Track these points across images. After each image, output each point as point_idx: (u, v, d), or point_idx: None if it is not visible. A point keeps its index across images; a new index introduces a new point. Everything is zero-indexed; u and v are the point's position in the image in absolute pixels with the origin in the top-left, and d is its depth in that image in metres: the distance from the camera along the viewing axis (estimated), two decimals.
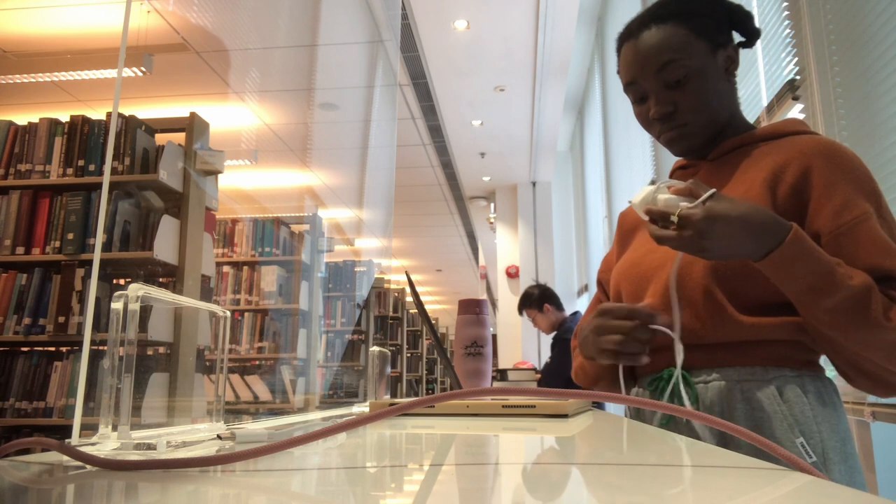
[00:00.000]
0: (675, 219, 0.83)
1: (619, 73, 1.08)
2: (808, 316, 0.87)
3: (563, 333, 3.53)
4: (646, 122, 1.06)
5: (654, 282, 1.01)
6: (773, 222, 0.83)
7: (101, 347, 2.41)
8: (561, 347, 3.49)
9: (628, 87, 1.05)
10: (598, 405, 3.10)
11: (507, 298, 7.30)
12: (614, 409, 4.19)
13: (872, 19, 1.50)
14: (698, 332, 0.95)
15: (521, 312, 3.74)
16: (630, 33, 1.04)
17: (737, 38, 1.07)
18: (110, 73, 4.10)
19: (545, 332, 3.69)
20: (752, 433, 0.46)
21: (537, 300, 3.63)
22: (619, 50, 1.07)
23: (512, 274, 7.50)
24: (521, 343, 6.80)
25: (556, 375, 3.37)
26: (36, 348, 2.60)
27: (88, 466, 0.46)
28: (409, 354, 8.10)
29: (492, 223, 8.27)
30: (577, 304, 7.32)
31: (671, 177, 1.16)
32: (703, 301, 0.94)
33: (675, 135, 1.02)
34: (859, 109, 1.56)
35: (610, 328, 0.93)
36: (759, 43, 2.09)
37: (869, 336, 0.82)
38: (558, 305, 3.67)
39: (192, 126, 2.70)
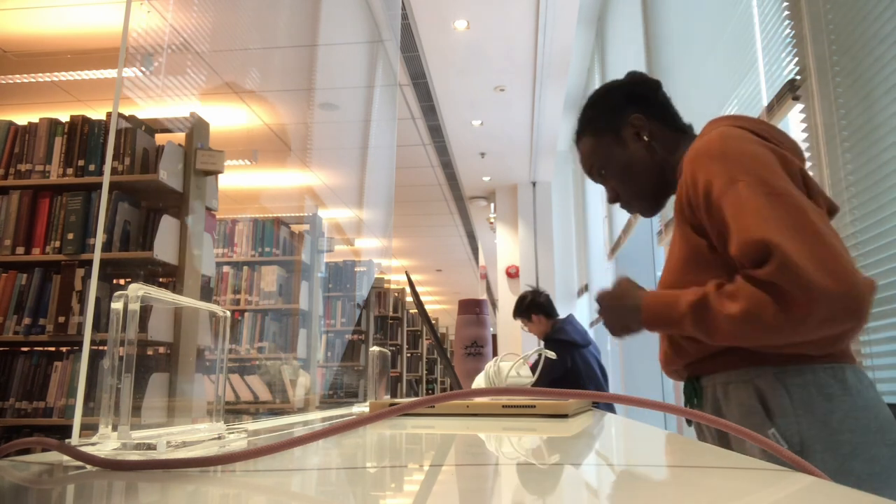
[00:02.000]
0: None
1: None
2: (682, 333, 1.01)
3: (553, 334, 3.49)
4: None
5: None
6: (633, 301, 1.05)
7: (101, 347, 2.41)
8: (550, 349, 3.44)
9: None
10: (608, 406, 3.09)
11: (507, 298, 7.30)
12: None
13: (873, 19, 1.50)
14: (685, 349, 1.07)
15: (514, 317, 3.71)
16: (576, 146, 1.31)
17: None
18: (110, 73, 4.10)
19: (539, 338, 3.64)
20: (755, 433, 0.46)
21: (525, 309, 3.59)
22: None
23: (512, 274, 7.50)
24: (521, 343, 6.80)
25: (545, 375, 3.35)
26: (36, 348, 2.60)
27: (88, 466, 0.46)
28: (409, 354, 8.09)
29: (492, 223, 8.27)
30: (577, 304, 7.32)
31: None
32: None
33: (630, 210, 1.25)
34: (859, 109, 1.56)
35: None
36: (759, 43, 2.09)
37: (732, 331, 0.91)
38: (548, 313, 3.59)
39: (192, 126, 2.70)
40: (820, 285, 0.81)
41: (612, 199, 1.25)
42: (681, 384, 1.16)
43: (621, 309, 1.08)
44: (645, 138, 1.20)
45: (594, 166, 1.24)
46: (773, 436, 0.91)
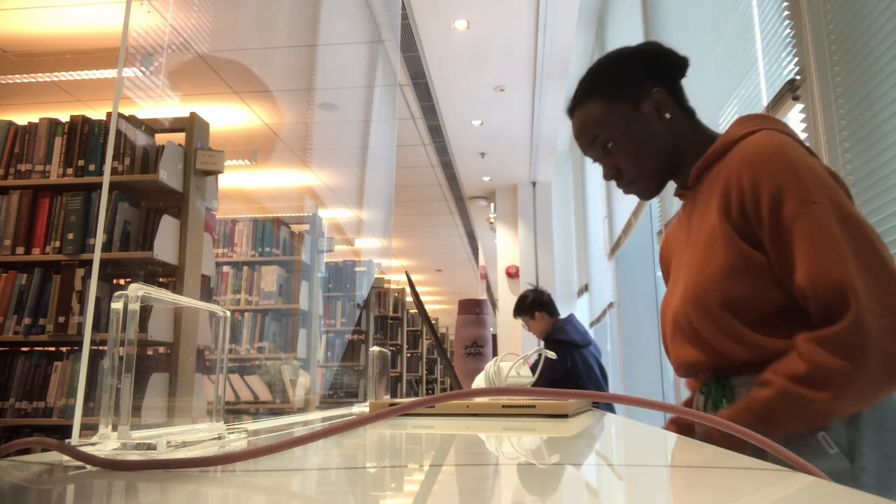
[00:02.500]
0: None
1: None
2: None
3: (553, 334, 3.50)
4: None
5: (665, 330, 1.12)
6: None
7: (101, 347, 2.41)
8: (550, 349, 3.44)
9: (584, 155, 1.18)
10: (608, 406, 3.09)
11: (507, 298, 7.30)
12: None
13: (873, 19, 1.50)
14: (727, 354, 0.98)
15: (515, 316, 3.73)
16: (568, 114, 1.17)
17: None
18: (110, 73, 4.10)
19: (539, 337, 3.66)
20: (756, 434, 0.46)
21: (528, 307, 3.60)
22: None
23: (512, 274, 7.50)
24: (521, 343, 6.80)
25: (545, 375, 3.35)
26: (36, 348, 2.60)
27: (88, 466, 0.46)
28: (409, 354, 8.10)
29: (492, 223, 8.27)
30: (577, 304, 7.32)
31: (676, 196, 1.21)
32: (717, 333, 0.98)
33: (629, 191, 1.13)
34: (860, 110, 1.56)
35: None
36: (759, 43, 2.09)
37: (836, 411, 0.87)
38: (551, 311, 3.62)
39: (192, 126, 2.70)
40: (889, 350, 0.82)
41: (612, 176, 1.12)
42: (682, 382, 1.14)
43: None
44: (667, 116, 1.09)
45: (600, 137, 1.10)
46: (823, 439, 0.89)
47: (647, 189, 1.12)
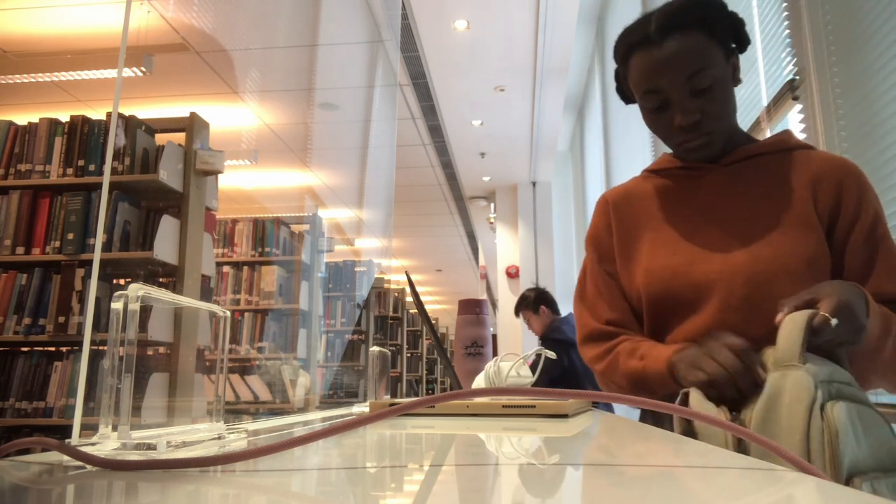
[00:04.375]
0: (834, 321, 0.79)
1: (626, 79, 1.08)
2: (874, 359, 0.92)
3: (550, 334, 3.52)
4: (665, 130, 1.05)
5: (717, 294, 0.99)
6: (858, 292, 0.87)
7: (101, 347, 2.41)
8: (548, 348, 3.46)
9: (648, 94, 1.03)
10: (607, 406, 3.09)
11: (507, 298, 7.30)
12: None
13: (872, 19, 1.50)
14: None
15: (517, 314, 3.74)
16: (648, 40, 1.01)
17: None
18: (110, 73, 4.10)
19: (537, 335, 3.68)
20: (757, 434, 0.46)
21: (533, 301, 3.64)
22: (627, 56, 1.05)
23: (512, 274, 7.49)
24: (521, 343, 6.80)
25: (543, 375, 3.35)
26: (36, 348, 2.60)
27: (88, 466, 0.46)
28: (409, 354, 8.10)
29: (492, 223, 8.27)
30: None
31: (670, 178, 1.13)
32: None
33: (700, 143, 1.03)
34: (859, 110, 1.56)
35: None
36: (759, 43, 2.09)
37: None
38: (554, 308, 3.67)
39: (192, 126, 2.70)
40: None
41: (694, 120, 1.00)
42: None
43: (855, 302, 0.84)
44: (741, 79, 1.07)
45: (705, 71, 0.98)
46: None
47: (714, 146, 1.04)
